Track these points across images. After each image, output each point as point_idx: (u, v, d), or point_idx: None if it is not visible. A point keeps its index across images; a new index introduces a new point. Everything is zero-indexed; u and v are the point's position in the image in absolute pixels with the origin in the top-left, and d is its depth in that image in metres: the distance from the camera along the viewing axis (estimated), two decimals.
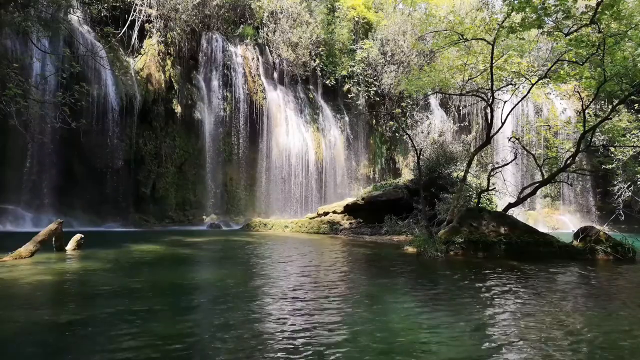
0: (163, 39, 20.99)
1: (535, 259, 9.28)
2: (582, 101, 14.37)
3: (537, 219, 24.95)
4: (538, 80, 12.78)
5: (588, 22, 10.46)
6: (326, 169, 25.27)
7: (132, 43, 20.28)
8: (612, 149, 17.36)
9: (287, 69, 25.11)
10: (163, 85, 20.62)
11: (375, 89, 26.86)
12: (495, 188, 14.07)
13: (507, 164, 14.16)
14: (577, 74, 12.56)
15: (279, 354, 3.40)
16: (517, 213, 17.60)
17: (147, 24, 20.62)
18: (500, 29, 11.40)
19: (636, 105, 18.96)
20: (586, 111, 12.67)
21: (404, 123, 25.79)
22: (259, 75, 24.01)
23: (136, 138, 19.55)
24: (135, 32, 20.26)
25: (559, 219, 26.04)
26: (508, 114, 13.20)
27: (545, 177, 13.21)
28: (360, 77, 26.79)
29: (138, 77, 19.84)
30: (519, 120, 27.51)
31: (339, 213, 18.30)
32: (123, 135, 18.95)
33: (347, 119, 27.18)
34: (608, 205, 23.10)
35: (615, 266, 8.90)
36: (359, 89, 26.81)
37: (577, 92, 14.38)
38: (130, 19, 19.93)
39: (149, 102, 20.04)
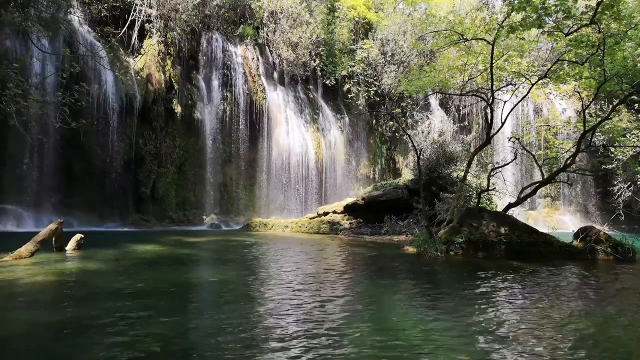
0: (163, 39, 20.98)
1: (535, 259, 9.28)
2: (582, 101, 14.34)
3: (537, 219, 24.93)
4: (538, 80, 12.77)
5: (588, 22, 10.46)
6: (326, 169, 25.24)
7: (132, 43, 20.26)
8: (612, 149, 17.35)
9: (287, 69, 25.08)
10: (163, 85, 20.61)
11: (375, 89, 26.82)
12: (495, 188, 14.07)
13: (507, 164, 14.16)
14: (577, 74, 12.54)
15: (279, 355, 3.40)
16: (517, 213, 17.59)
17: (147, 24, 20.60)
18: (500, 29, 11.39)
19: (636, 105, 18.94)
20: (586, 111, 12.67)
21: (404, 123, 25.76)
22: (259, 75, 24.00)
23: (136, 138, 19.53)
24: (135, 32, 20.25)
25: (559, 219, 26.01)
26: (508, 114, 13.20)
27: (545, 177, 13.21)
28: (360, 77, 26.75)
29: (138, 77, 19.83)
30: (519, 120, 27.48)
31: (339, 213, 18.30)
32: (123, 135, 18.94)
33: (347, 119, 27.16)
34: (608, 205, 23.05)
35: (615, 266, 8.90)
36: (359, 89, 26.78)
37: (577, 92, 14.34)
38: (130, 19, 19.90)
39: (149, 102, 20.02)
